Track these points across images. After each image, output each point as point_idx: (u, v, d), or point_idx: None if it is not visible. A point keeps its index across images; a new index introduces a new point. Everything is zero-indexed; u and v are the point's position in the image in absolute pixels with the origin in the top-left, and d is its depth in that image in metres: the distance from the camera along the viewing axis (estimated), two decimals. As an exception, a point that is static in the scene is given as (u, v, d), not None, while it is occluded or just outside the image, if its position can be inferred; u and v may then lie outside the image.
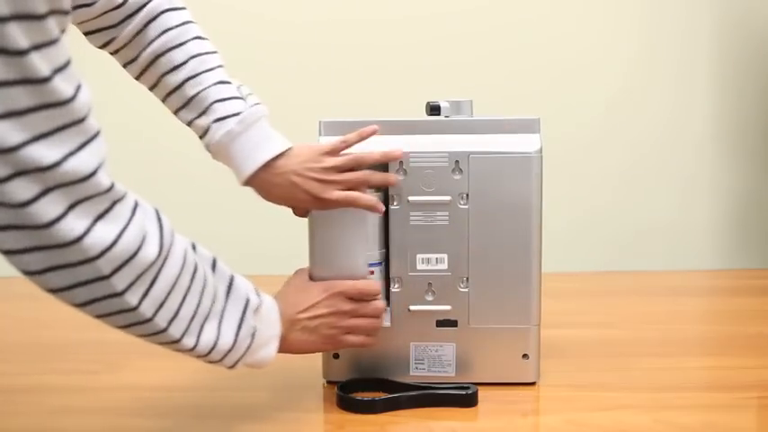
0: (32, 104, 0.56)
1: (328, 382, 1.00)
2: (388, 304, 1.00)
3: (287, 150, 0.94)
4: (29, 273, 0.63)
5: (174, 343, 0.73)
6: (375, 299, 0.94)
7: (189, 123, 0.95)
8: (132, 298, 0.66)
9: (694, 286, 1.62)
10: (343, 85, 1.74)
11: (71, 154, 0.59)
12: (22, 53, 0.54)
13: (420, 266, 0.98)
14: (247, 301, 0.79)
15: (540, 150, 0.96)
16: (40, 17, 0.55)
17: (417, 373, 0.99)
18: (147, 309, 0.68)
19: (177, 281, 0.70)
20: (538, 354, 0.98)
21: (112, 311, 0.67)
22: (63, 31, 0.58)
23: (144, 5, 0.92)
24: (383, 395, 0.94)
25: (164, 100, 0.96)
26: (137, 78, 0.97)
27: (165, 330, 0.70)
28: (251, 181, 0.93)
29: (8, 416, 0.92)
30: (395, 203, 0.97)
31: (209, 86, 0.93)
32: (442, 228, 0.97)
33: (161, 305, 0.69)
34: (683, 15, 1.78)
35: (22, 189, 0.58)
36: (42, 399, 0.97)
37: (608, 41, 1.78)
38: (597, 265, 1.76)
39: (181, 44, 0.93)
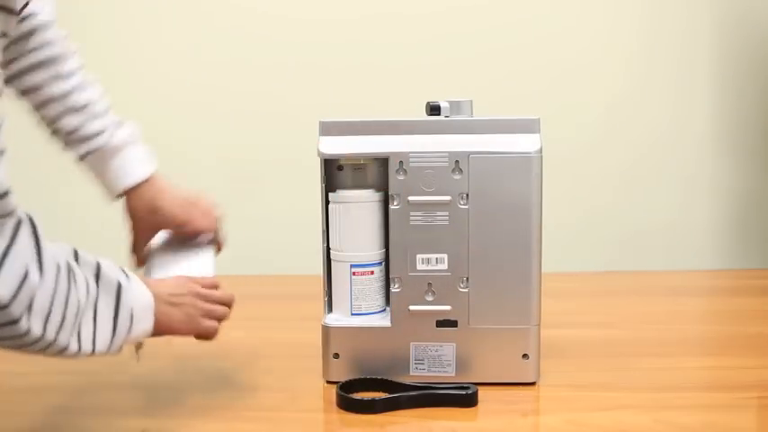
0: None
1: (328, 382, 1.00)
2: (388, 304, 1.00)
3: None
4: None
5: (62, 351, 0.72)
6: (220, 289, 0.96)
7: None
8: (24, 323, 0.65)
9: (694, 286, 1.61)
10: (344, 85, 1.74)
11: None
12: None
13: (420, 266, 0.98)
14: (119, 284, 0.79)
15: (540, 150, 0.96)
16: None
17: (417, 373, 0.99)
18: (36, 328, 0.67)
19: (56, 290, 0.68)
20: (538, 354, 0.98)
21: (5, 336, 0.66)
22: None
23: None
24: (383, 395, 0.94)
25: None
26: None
27: (54, 342, 0.70)
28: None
29: (8, 416, 0.92)
30: (395, 203, 0.97)
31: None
32: (442, 228, 0.97)
33: (46, 319, 0.67)
34: (683, 15, 1.78)
35: None
36: (42, 399, 0.97)
37: (608, 41, 1.78)
38: (597, 265, 1.76)
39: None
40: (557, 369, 1.03)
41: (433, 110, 1.01)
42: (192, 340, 0.92)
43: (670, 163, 1.81)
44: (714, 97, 1.80)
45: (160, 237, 1.09)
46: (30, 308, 0.65)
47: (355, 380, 0.97)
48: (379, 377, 0.97)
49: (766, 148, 1.81)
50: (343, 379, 0.97)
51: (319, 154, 0.98)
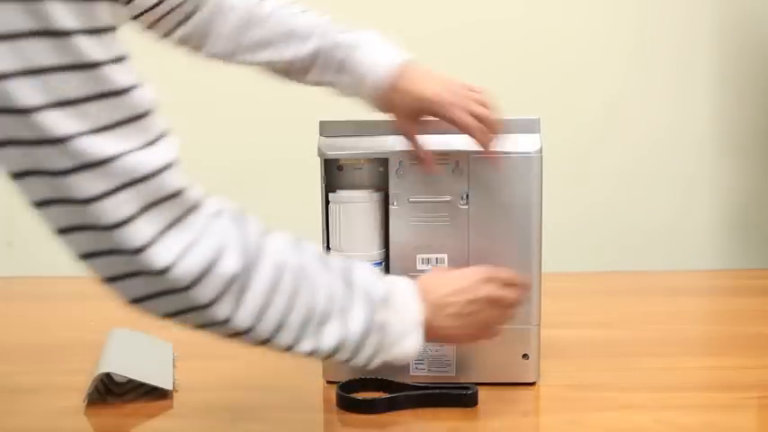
0: (85, 93, 0.54)
1: (328, 382, 1.00)
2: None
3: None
4: (104, 280, 0.61)
5: (287, 350, 0.68)
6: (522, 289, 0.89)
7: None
8: (220, 311, 0.63)
9: (694, 286, 1.61)
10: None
11: (131, 151, 0.57)
12: (68, 34, 0.52)
13: (420, 266, 0.98)
14: (374, 294, 0.73)
15: (540, 150, 0.96)
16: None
17: (417, 373, 0.99)
18: (242, 320, 0.64)
19: (276, 288, 0.65)
20: (538, 354, 0.98)
21: (205, 323, 0.64)
22: (116, 24, 0.57)
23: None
24: (383, 395, 0.94)
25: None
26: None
27: (270, 339, 0.67)
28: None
29: (9, 416, 0.92)
30: (395, 203, 0.97)
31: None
32: (442, 228, 0.97)
33: (260, 315, 0.65)
34: (683, 15, 1.78)
35: (86, 184, 0.55)
36: (42, 399, 0.97)
37: (608, 41, 1.78)
38: (597, 265, 1.76)
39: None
40: (557, 369, 1.03)
41: (434, 110, 1.01)
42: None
43: (670, 163, 1.81)
44: (714, 97, 1.80)
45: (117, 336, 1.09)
46: (231, 298, 0.63)
47: (355, 380, 0.97)
48: (379, 377, 0.97)
49: (766, 148, 1.81)
50: (343, 379, 0.97)
51: (319, 154, 0.98)
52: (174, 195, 0.60)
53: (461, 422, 0.89)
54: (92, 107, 0.55)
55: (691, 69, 1.79)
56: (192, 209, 0.62)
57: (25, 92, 0.53)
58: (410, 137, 0.95)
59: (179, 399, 0.96)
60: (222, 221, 0.63)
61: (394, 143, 0.97)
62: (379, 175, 1.00)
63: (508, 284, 0.88)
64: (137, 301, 0.62)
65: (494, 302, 0.85)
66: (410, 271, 0.97)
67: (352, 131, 0.98)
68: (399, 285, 0.77)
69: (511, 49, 1.76)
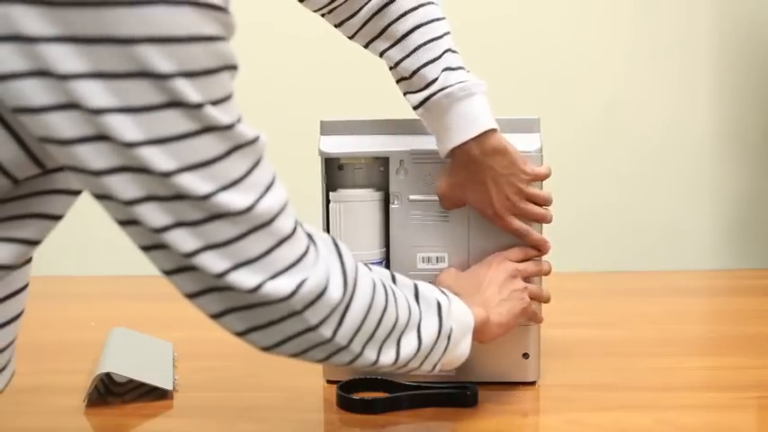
0: (220, 152, 0.58)
1: (328, 382, 1.00)
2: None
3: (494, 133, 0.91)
4: (218, 313, 0.64)
5: (372, 365, 0.72)
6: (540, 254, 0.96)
7: (415, 72, 0.93)
8: (325, 331, 0.66)
9: (694, 286, 1.61)
10: (344, 85, 1.74)
11: (259, 199, 0.61)
12: (199, 106, 0.56)
13: (420, 265, 0.98)
14: (439, 304, 0.77)
15: (540, 150, 0.96)
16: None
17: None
18: (342, 338, 0.67)
19: (371, 306, 0.69)
20: (538, 353, 0.98)
21: (309, 346, 0.67)
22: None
23: None
24: (383, 395, 0.94)
25: (384, 51, 0.96)
26: (352, 37, 0.99)
27: (361, 353, 0.70)
28: (457, 151, 0.91)
29: (8, 416, 0.92)
30: (395, 203, 0.97)
31: (441, 37, 0.94)
32: (443, 227, 0.97)
33: (356, 332, 0.68)
34: (684, 16, 1.78)
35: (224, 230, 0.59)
36: (42, 399, 0.97)
37: (609, 42, 1.78)
38: (597, 265, 1.76)
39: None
40: (557, 369, 1.03)
41: (434, 110, 1.01)
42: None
43: (670, 163, 1.81)
44: (715, 98, 1.80)
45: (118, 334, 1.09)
46: (335, 319, 0.66)
47: (355, 380, 0.97)
48: (379, 377, 0.97)
49: (766, 148, 1.81)
50: (343, 379, 0.97)
51: (320, 153, 0.98)
52: (291, 236, 0.63)
53: (461, 422, 0.89)
54: (223, 165, 0.59)
55: (691, 69, 1.79)
56: (306, 249, 0.65)
57: (159, 158, 0.56)
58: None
59: (179, 399, 0.96)
60: (324, 255, 0.67)
61: (394, 143, 0.97)
62: (380, 174, 1.00)
63: (521, 260, 0.94)
64: (247, 331, 0.65)
65: (517, 278, 0.93)
66: (410, 270, 0.97)
67: (353, 131, 0.98)
68: (450, 295, 0.81)
69: (511, 49, 1.76)
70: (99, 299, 1.51)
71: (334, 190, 1.00)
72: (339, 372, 0.99)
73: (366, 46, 0.98)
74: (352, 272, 0.68)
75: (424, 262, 0.97)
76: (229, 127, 0.59)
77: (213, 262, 0.59)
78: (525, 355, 0.98)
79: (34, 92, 0.53)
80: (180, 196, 0.57)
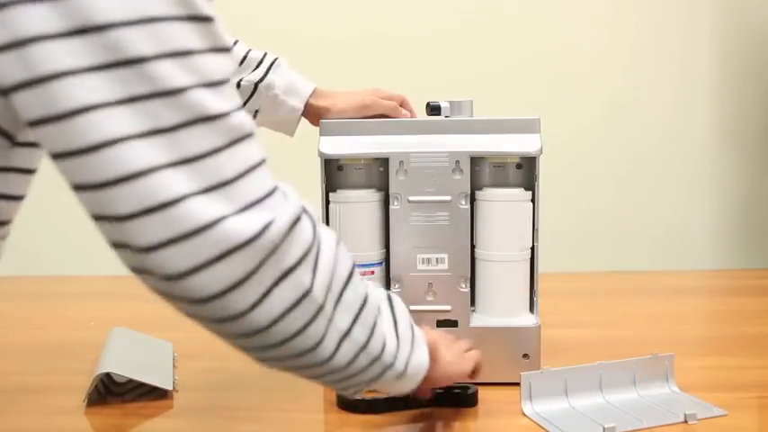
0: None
1: (328, 382, 1.00)
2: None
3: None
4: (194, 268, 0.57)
5: (340, 340, 0.65)
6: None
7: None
8: (305, 275, 0.61)
9: (694, 286, 1.61)
10: (344, 85, 1.74)
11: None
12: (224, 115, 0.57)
13: (420, 266, 0.98)
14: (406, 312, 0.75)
15: (540, 150, 0.96)
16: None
17: (417, 373, 0.99)
18: (318, 290, 0.61)
19: (336, 264, 0.64)
20: (538, 354, 0.98)
21: (292, 303, 0.60)
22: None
23: None
24: (383, 395, 0.93)
25: None
26: None
27: (332, 319, 0.64)
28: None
29: (8, 416, 0.92)
30: (395, 203, 0.97)
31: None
32: (443, 228, 0.97)
33: (328, 286, 0.63)
34: (684, 16, 1.78)
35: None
36: (42, 399, 0.97)
37: (609, 42, 1.78)
38: (597, 265, 1.76)
39: None
40: (557, 369, 1.03)
41: (433, 110, 1.01)
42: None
43: (671, 163, 1.81)
44: (715, 98, 1.80)
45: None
46: (310, 262, 0.61)
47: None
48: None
49: (766, 148, 1.81)
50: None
51: (320, 154, 0.98)
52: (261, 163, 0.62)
53: (461, 422, 0.89)
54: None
55: (691, 69, 1.79)
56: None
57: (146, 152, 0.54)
58: None
59: (179, 399, 0.96)
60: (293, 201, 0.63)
61: (394, 143, 0.97)
62: (380, 174, 1.00)
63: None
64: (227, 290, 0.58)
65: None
66: (410, 271, 0.97)
67: (353, 131, 0.98)
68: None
69: (511, 49, 1.76)
70: (99, 299, 1.51)
71: (333, 191, 1.00)
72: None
73: None
74: (318, 230, 0.64)
75: (423, 263, 0.97)
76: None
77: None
78: (525, 356, 0.98)
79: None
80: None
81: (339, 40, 1.75)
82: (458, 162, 0.96)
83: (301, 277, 0.60)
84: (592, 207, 1.80)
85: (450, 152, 0.96)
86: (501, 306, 0.99)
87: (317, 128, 1.00)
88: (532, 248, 0.99)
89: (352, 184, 1.01)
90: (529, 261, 0.99)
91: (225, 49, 0.59)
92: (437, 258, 0.97)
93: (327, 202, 0.99)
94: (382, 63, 1.74)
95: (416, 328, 0.76)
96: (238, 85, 1.01)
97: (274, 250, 0.58)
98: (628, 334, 1.22)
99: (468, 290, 0.97)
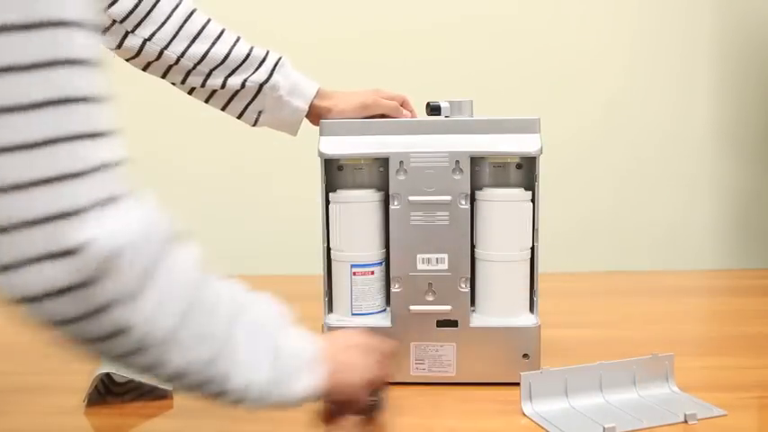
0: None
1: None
2: (389, 304, 1.00)
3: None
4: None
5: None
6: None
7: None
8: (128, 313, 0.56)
9: (694, 286, 1.61)
10: (344, 85, 1.74)
11: None
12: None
13: (420, 266, 0.98)
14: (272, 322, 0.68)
15: (540, 150, 0.96)
16: None
17: (418, 373, 0.99)
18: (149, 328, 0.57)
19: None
20: (538, 354, 0.98)
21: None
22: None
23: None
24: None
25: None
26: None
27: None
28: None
29: (8, 416, 0.92)
30: (395, 203, 0.97)
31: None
32: (443, 228, 0.97)
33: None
34: (684, 16, 1.78)
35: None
36: (42, 399, 0.97)
37: (609, 42, 1.78)
38: (597, 265, 1.76)
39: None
40: (557, 369, 1.03)
41: (433, 110, 1.01)
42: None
43: (670, 163, 1.81)
44: (715, 98, 1.80)
45: None
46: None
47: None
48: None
49: (766, 148, 1.81)
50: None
51: (320, 154, 0.98)
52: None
53: (461, 422, 0.89)
54: None
55: (691, 69, 1.79)
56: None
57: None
58: None
59: (179, 399, 0.96)
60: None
61: (394, 143, 0.97)
62: (380, 174, 1.00)
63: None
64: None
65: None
66: (410, 271, 0.97)
67: (353, 131, 0.98)
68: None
69: (511, 49, 1.76)
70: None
71: (333, 191, 1.00)
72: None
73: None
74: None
75: (423, 263, 0.97)
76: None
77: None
78: (525, 356, 0.98)
79: None
80: None
81: (339, 39, 1.75)
82: (458, 162, 0.96)
83: (123, 314, 0.55)
84: (592, 207, 1.80)
85: (450, 152, 0.96)
86: (501, 306, 0.99)
87: (318, 128, 1.00)
88: (532, 248, 0.99)
89: (352, 184, 1.01)
90: (529, 261, 0.99)
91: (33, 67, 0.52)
92: (437, 258, 0.97)
93: (327, 202, 0.99)
94: (382, 63, 1.74)
95: (306, 349, 0.70)
96: (243, 85, 1.01)
97: (94, 274, 0.53)
98: (628, 334, 1.22)
99: (468, 290, 0.97)
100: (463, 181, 0.96)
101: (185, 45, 0.98)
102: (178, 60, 0.98)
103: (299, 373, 0.70)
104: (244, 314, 0.66)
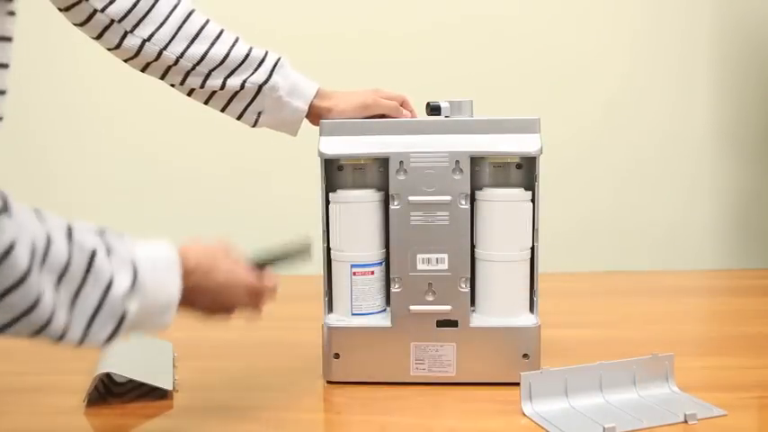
0: None
1: (328, 382, 1.00)
2: (389, 304, 1.00)
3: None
4: None
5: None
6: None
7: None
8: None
9: (694, 286, 1.62)
10: (344, 84, 1.74)
11: None
12: None
13: (420, 266, 0.98)
14: (109, 285, 0.69)
15: (540, 150, 0.96)
16: None
17: (417, 373, 0.99)
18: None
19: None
20: (538, 354, 0.98)
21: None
22: None
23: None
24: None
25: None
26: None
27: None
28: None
29: (8, 416, 0.92)
30: (395, 203, 0.97)
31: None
32: (443, 228, 0.97)
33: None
34: (683, 16, 1.78)
35: None
36: (42, 399, 0.97)
37: (609, 42, 1.78)
38: (597, 265, 1.76)
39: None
40: (557, 369, 1.03)
41: (434, 110, 1.01)
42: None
43: (670, 163, 1.81)
44: (714, 98, 1.80)
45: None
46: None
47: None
48: (379, 377, 0.97)
49: (766, 148, 1.81)
50: (343, 379, 0.97)
51: (320, 154, 0.98)
52: None
53: (461, 422, 0.89)
54: None
55: (691, 70, 1.79)
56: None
57: None
58: None
59: (179, 399, 0.96)
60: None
61: (394, 143, 0.97)
62: (380, 174, 1.00)
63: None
64: None
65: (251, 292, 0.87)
66: (410, 271, 0.97)
67: (353, 131, 0.98)
68: (160, 261, 0.74)
69: (511, 49, 1.76)
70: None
71: (333, 191, 1.00)
72: (339, 372, 0.99)
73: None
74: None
75: (424, 263, 0.97)
76: None
77: None
78: (525, 356, 0.98)
79: None
80: None
81: (339, 39, 1.75)
82: (458, 162, 0.96)
83: None
84: (592, 207, 1.80)
85: (451, 152, 0.96)
86: (501, 306, 0.99)
87: (318, 128, 1.00)
88: (532, 248, 0.99)
89: (352, 184, 1.01)
90: (529, 261, 0.99)
91: None
92: (437, 258, 0.97)
93: (327, 202, 0.99)
94: (382, 62, 1.74)
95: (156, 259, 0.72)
96: (242, 86, 1.01)
97: None
98: (628, 334, 1.22)
99: (468, 290, 0.97)
100: (463, 181, 0.96)
101: (184, 46, 0.98)
102: (177, 61, 0.98)
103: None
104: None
